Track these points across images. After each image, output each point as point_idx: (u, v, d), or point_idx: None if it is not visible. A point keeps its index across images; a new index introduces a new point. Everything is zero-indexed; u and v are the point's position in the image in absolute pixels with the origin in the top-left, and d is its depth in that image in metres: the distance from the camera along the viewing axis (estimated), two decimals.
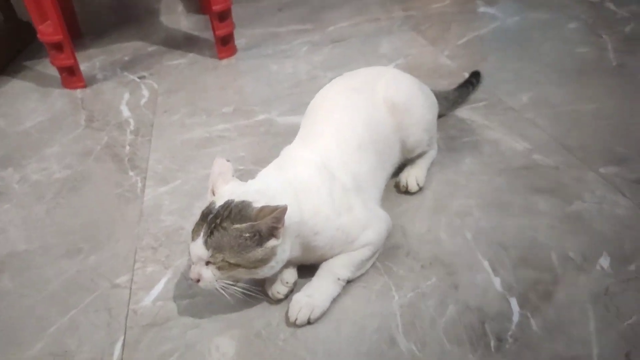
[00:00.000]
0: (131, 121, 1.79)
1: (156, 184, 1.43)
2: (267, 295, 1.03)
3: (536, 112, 1.57)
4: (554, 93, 1.68)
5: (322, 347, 0.93)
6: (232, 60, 2.22)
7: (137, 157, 1.58)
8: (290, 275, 1.03)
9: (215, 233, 0.92)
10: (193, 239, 0.94)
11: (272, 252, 0.93)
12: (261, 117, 1.72)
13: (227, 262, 0.92)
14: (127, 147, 1.63)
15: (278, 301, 1.02)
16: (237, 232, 0.90)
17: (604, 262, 1.03)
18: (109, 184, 1.46)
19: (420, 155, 1.31)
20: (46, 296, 1.10)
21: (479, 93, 1.70)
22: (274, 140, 1.57)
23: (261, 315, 1.00)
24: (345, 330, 0.96)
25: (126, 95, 1.99)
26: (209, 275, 0.93)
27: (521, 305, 0.96)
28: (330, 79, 1.99)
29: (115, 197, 1.40)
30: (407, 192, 1.28)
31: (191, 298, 1.06)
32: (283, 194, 0.97)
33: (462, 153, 1.42)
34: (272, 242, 0.92)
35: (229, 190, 0.97)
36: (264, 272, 0.95)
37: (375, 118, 1.19)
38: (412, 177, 1.28)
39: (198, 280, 0.93)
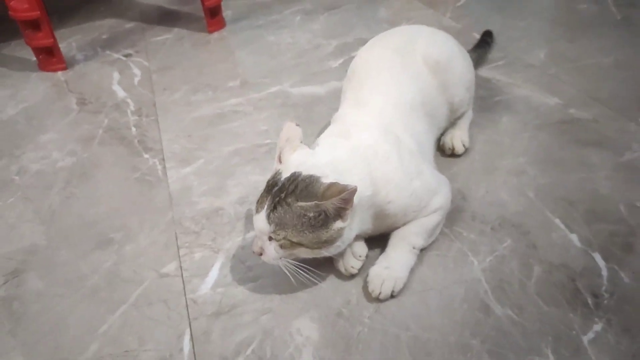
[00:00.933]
0: (129, 101, 1.65)
1: (178, 165, 1.32)
2: (337, 270, 0.95)
3: (557, 68, 1.55)
4: (569, 48, 1.66)
5: (412, 321, 0.87)
6: (222, 33, 2.09)
7: (147, 138, 1.45)
8: (362, 248, 0.96)
9: (279, 208, 0.84)
10: (257, 210, 0.86)
11: (339, 234, 0.86)
12: (273, 89, 1.62)
13: (289, 240, 0.84)
14: (133, 129, 1.50)
15: (351, 276, 0.95)
16: (301, 210, 0.83)
17: None
18: (124, 168, 1.33)
19: (459, 117, 1.26)
20: (86, 294, 0.99)
21: (495, 52, 1.66)
22: (295, 112, 1.47)
23: (336, 293, 0.93)
24: (432, 300, 0.90)
25: (116, 75, 1.83)
26: (271, 251, 0.86)
27: (606, 259, 0.93)
28: (335, 47, 1.93)
29: (135, 181, 1.28)
30: (453, 154, 1.23)
31: (254, 281, 0.97)
32: (354, 167, 0.89)
33: (497, 112, 1.37)
34: (338, 224, 0.85)
35: (297, 160, 0.89)
36: (329, 252, 0.88)
37: (421, 79, 1.12)
38: (457, 138, 1.23)
39: (261, 254, 0.86)
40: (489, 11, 1.99)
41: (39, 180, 1.32)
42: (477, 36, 1.69)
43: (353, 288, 0.93)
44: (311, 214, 0.83)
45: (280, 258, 0.87)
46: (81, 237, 1.12)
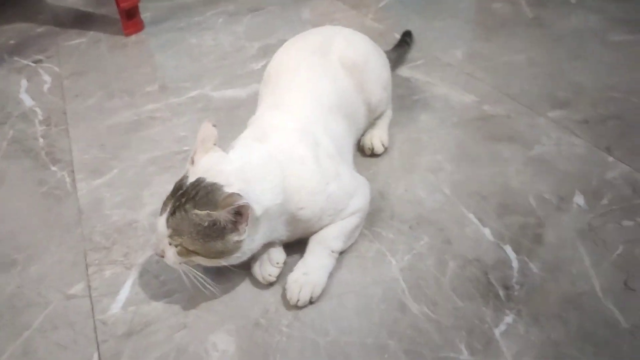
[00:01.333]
0: (37, 110, 1.55)
1: (88, 177, 1.25)
2: (254, 278, 0.93)
3: (473, 66, 1.60)
4: (484, 47, 1.71)
5: (331, 326, 0.86)
6: (141, 36, 2.01)
7: (56, 149, 1.36)
8: (279, 254, 0.94)
9: (177, 214, 0.82)
10: (161, 212, 0.84)
11: (235, 246, 0.84)
12: (193, 93, 1.57)
13: (184, 247, 0.82)
14: (41, 140, 1.40)
15: (269, 285, 0.93)
16: (197, 218, 0.81)
17: (579, 199, 1.07)
18: (30, 182, 1.25)
19: (378, 117, 1.27)
20: None
21: (414, 52, 1.69)
22: (216, 116, 1.43)
23: (254, 302, 0.91)
24: (351, 303, 0.89)
25: (24, 82, 1.71)
26: (171, 254, 0.84)
27: (516, 251, 0.96)
28: (258, 49, 1.91)
29: (42, 196, 1.20)
30: (373, 154, 1.23)
31: (168, 297, 0.93)
32: (266, 174, 0.87)
33: (415, 111, 1.40)
34: (234, 237, 0.83)
35: (205, 164, 0.86)
36: (228, 262, 0.86)
37: (338, 80, 1.12)
38: (376, 138, 1.24)
39: (162, 256, 0.85)
40: (409, 12, 2.03)
41: None
42: (398, 36, 1.71)
43: (271, 297, 0.91)
44: (205, 224, 0.80)
45: (180, 263, 0.84)
46: None
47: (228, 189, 0.82)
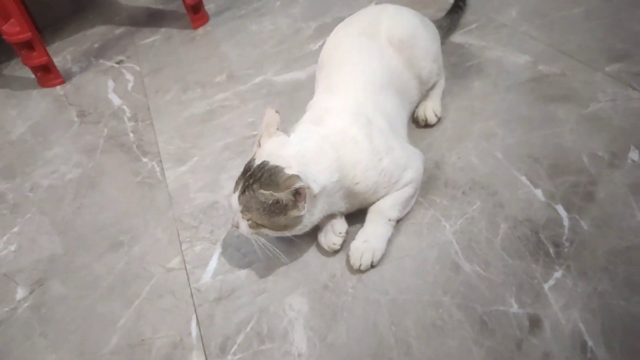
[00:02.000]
0: (125, 108, 1.74)
1: (174, 165, 1.42)
2: (321, 247, 1.05)
3: (529, 24, 1.59)
4: (540, 3, 1.68)
5: (391, 286, 0.96)
6: (207, 28, 2.15)
7: (144, 142, 1.55)
8: (341, 225, 1.05)
9: (247, 193, 0.95)
10: (234, 190, 0.98)
11: (296, 221, 0.95)
12: (257, 79, 1.70)
13: (254, 221, 0.95)
14: (131, 135, 1.60)
15: (334, 252, 1.05)
16: (262, 197, 0.93)
17: (634, 155, 1.08)
18: (126, 173, 1.44)
19: (431, 88, 1.32)
20: (104, 293, 1.10)
21: (468, 15, 1.70)
22: (279, 100, 1.55)
23: (322, 269, 1.03)
24: (408, 266, 0.99)
25: (110, 83, 1.92)
26: (244, 226, 0.97)
27: (568, 210, 1.01)
28: (314, 29, 1.99)
29: (137, 185, 1.39)
30: (427, 125, 1.30)
31: (248, 267, 1.07)
32: (321, 156, 0.98)
33: (469, 78, 1.43)
34: (294, 213, 0.94)
35: (268, 148, 0.98)
36: (292, 233, 0.98)
37: (386, 58, 1.19)
38: (429, 109, 1.30)
39: (237, 227, 0.98)
40: None
41: (51, 194, 1.44)
42: (451, 1, 1.72)
43: (337, 263, 1.03)
44: (269, 202, 0.93)
45: (252, 234, 0.98)
46: (94, 242, 1.24)
47: (288, 171, 0.93)
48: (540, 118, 1.23)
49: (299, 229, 0.98)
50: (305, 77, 1.63)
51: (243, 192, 0.95)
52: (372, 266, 1.00)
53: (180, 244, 1.17)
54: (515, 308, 0.88)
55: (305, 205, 0.94)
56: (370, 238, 1.01)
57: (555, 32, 1.52)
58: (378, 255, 1.00)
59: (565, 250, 0.94)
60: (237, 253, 1.11)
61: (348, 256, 1.01)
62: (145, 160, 1.47)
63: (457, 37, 1.61)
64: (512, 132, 1.22)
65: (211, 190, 1.30)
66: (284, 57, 1.77)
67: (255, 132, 1.45)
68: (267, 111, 1.04)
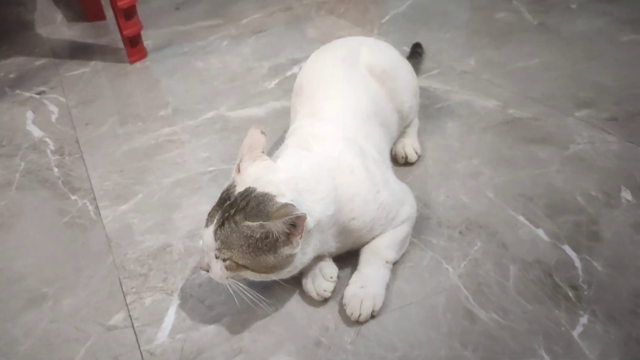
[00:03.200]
0: (48, 140, 1.49)
1: (113, 203, 1.19)
2: (306, 295, 0.88)
3: (490, 73, 1.59)
4: (496, 54, 1.71)
5: (398, 340, 0.80)
6: (145, 62, 1.97)
7: (73, 178, 1.30)
8: (332, 268, 0.89)
9: (226, 225, 0.77)
10: (207, 224, 0.80)
11: (287, 260, 0.79)
12: (209, 114, 1.53)
13: (234, 262, 0.78)
14: (56, 169, 1.35)
15: (323, 301, 0.88)
16: (248, 230, 0.76)
17: (626, 194, 1.04)
18: (50, 213, 1.18)
19: (407, 126, 1.24)
20: None
21: (427, 63, 1.68)
22: (237, 135, 1.40)
23: (311, 321, 0.85)
24: (414, 315, 0.84)
25: (29, 114, 1.66)
26: (217, 270, 0.79)
27: (576, 250, 0.93)
28: (268, 69, 1.88)
29: (64, 226, 1.14)
30: (406, 163, 1.20)
31: (217, 321, 0.87)
32: (317, 184, 0.83)
33: (440, 119, 1.37)
34: (286, 250, 0.78)
35: (254, 173, 0.81)
36: (278, 276, 0.81)
37: (370, 89, 1.10)
38: (409, 146, 1.21)
39: (207, 270, 0.80)
40: (414, 25, 2.03)
41: None
42: (407, 49, 1.70)
43: (329, 313, 0.86)
44: (257, 236, 0.76)
45: (227, 278, 0.80)
46: (8, 297, 0.97)
47: (280, 200, 0.78)
48: (523, 158, 1.18)
49: (288, 272, 0.81)
50: (264, 114, 1.50)
51: (221, 225, 0.77)
52: (373, 316, 0.84)
53: (124, 295, 0.94)
54: None
55: (300, 241, 0.77)
56: (368, 283, 0.86)
57: (517, 81, 1.52)
58: (379, 302, 0.84)
59: (585, 293, 0.85)
60: (200, 305, 0.90)
61: (343, 305, 0.85)
62: (74, 197, 1.23)
63: (421, 81, 1.56)
64: (498, 171, 1.15)
65: (162, 231, 1.09)
66: (237, 94, 1.64)
67: (212, 168, 1.27)
68: (250, 130, 0.88)
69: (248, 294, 0.81)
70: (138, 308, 0.91)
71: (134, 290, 0.95)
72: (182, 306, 0.90)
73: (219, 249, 0.78)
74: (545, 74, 1.54)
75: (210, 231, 0.78)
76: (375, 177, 0.91)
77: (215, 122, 1.49)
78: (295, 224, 0.75)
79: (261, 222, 0.75)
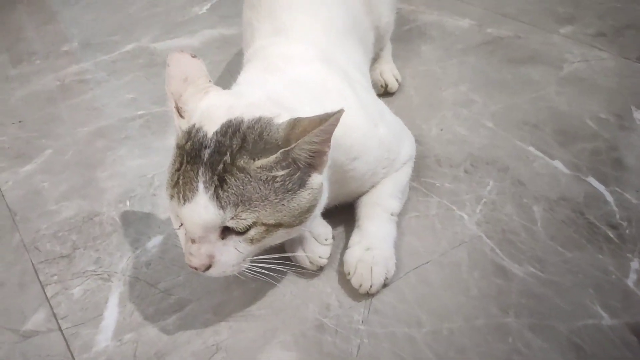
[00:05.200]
0: None
1: (13, 164, 0.90)
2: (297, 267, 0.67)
3: None
4: None
5: (422, 312, 0.63)
6: None
7: None
8: (325, 227, 0.69)
9: (230, 181, 0.53)
10: (184, 197, 0.54)
11: (319, 193, 0.58)
12: (128, 47, 1.24)
13: (264, 224, 0.54)
14: None
15: (318, 270, 0.68)
16: (266, 171, 0.54)
17: (638, 115, 0.92)
18: None
19: (382, 48, 1.03)
20: None
21: None
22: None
23: (306, 298, 0.65)
24: (434, 277, 0.67)
25: None
26: (229, 258, 0.55)
27: (603, 182, 0.79)
28: None
29: None
30: (386, 92, 1.01)
31: (179, 310, 0.65)
32: (305, 101, 0.61)
33: (413, 42, 1.18)
34: (316, 179, 0.57)
35: (218, 104, 0.57)
36: (305, 226, 0.59)
37: None
38: (388, 72, 1.01)
39: (207, 267, 0.55)
40: None
41: None
42: None
43: (327, 286, 0.67)
44: (281, 173, 0.54)
45: (246, 259, 0.57)
46: None
47: (279, 120, 0.55)
48: (516, 81, 1.03)
49: (314, 216, 0.59)
50: (199, 44, 1.23)
51: (221, 182, 0.53)
52: (385, 285, 0.65)
53: (43, 287, 0.69)
54: (607, 320, 0.61)
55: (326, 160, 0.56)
56: (375, 243, 0.67)
57: None
58: (392, 267, 0.66)
59: (627, 231, 0.71)
60: (152, 291, 0.67)
61: (346, 274, 0.65)
62: None
63: None
64: (492, 97, 0.99)
65: (83, 195, 0.83)
66: (161, 22, 1.34)
67: (141, 112, 1.01)
68: (173, 58, 0.60)
69: (276, 267, 0.59)
70: (64, 303, 0.67)
71: (55, 278, 0.70)
72: (126, 295, 0.67)
73: (234, 217, 0.53)
74: None
75: (201, 201, 0.53)
76: (369, 106, 0.71)
77: (137, 56, 1.20)
78: (330, 130, 0.53)
79: (282, 150, 0.53)
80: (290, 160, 0.54)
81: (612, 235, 0.71)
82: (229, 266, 0.56)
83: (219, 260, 0.55)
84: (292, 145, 0.53)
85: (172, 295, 0.66)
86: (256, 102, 0.57)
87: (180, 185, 0.53)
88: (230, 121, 0.55)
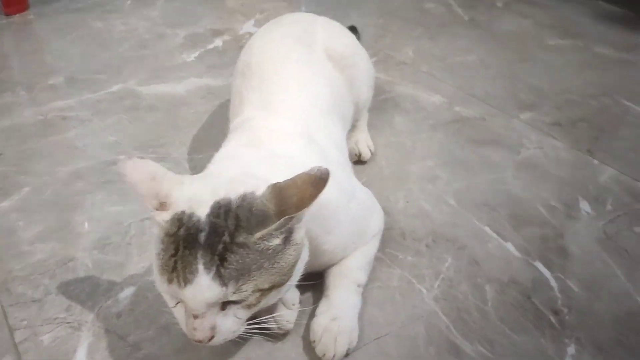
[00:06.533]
0: None
1: None
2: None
3: (428, 65, 1.51)
4: (432, 46, 1.64)
5: None
6: (27, 16, 1.61)
7: None
8: (294, 293, 0.73)
9: (231, 258, 0.57)
10: (184, 280, 0.57)
11: (302, 247, 0.63)
12: (115, 87, 1.27)
13: (260, 289, 0.59)
14: None
15: (283, 335, 0.72)
16: (264, 243, 0.58)
17: (584, 206, 1.01)
18: None
19: (357, 119, 1.10)
20: None
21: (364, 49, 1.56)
22: (153, 117, 1.16)
23: None
24: (393, 349, 0.72)
25: None
26: (229, 325, 0.59)
27: (549, 268, 0.86)
28: (184, 38, 1.63)
29: None
30: (359, 161, 1.07)
31: None
32: (281, 174, 0.65)
33: (387, 112, 1.26)
34: (299, 232, 0.62)
35: (201, 188, 0.61)
36: (292, 281, 0.64)
37: (330, 76, 0.94)
38: (362, 143, 1.08)
39: (210, 339, 0.58)
40: (344, 7, 1.89)
41: None
42: None
43: (291, 351, 0.70)
44: (276, 241, 0.59)
45: (244, 324, 0.61)
46: None
47: (260, 190, 0.60)
48: (477, 162, 1.11)
49: (299, 270, 0.64)
50: (184, 92, 1.27)
51: (222, 261, 0.57)
52: (346, 354, 0.70)
53: (11, 332, 0.70)
54: None
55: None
56: (341, 313, 0.71)
57: (457, 76, 1.46)
58: (355, 338, 0.70)
59: (567, 318, 0.78)
60: (121, 344, 0.69)
61: (311, 342, 0.69)
62: None
63: None
64: (455, 175, 1.07)
65: (59, 238, 0.85)
66: (148, 65, 1.38)
67: (122, 156, 1.03)
68: (126, 165, 0.61)
69: (265, 324, 0.64)
70: (33, 350, 0.68)
71: (25, 323, 0.71)
72: (95, 346, 0.69)
73: (236, 291, 0.57)
74: (483, 71, 1.50)
75: (204, 282, 0.56)
76: (343, 184, 0.76)
77: (122, 97, 1.23)
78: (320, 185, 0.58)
79: (287, 216, 0.57)
80: (289, 226, 0.59)
81: (554, 321, 0.78)
82: (230, 333, 0.60)
83: (221, 330, 0.59)
84: (298, 213, 0.58)
85: (141, 349, 0.68)
86: (235, 178, 0.62)
87: (179, 269, 0.57)
88: (219, 202, 0.59)
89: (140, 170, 0.61)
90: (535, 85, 1.43)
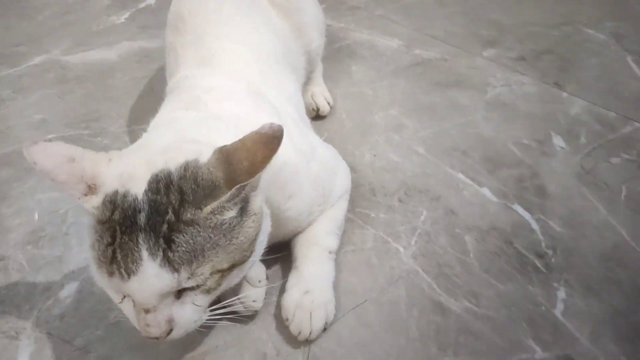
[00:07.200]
0: None
1: None
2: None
3: (383, 8, 1.41)
4: None
5: (362, 356, 0.61)
6: None
7: None
8: (259, 268, 0.66)
9: (179, 238, 0.48)
10: (126, 273, 0.48)
11: (260, 217, 0.54)
12: (37, 59, 1.13)
13: (219, 270, 0.50)
14: None
15: (253, 315, 0.65)
16: (217, 214, 0.50)
17: (558, 141, 0.96)
18: None
19: (312, 70, 1.01)
20: None
21: None
22: (83, 88, 1.04)
23: (242, 348, 0.62)
24: (373, 317, 0.66)
25: None
26: (188, 315, 0.51)
27: (528, 210, 0.82)
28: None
29: None
30: (318, 116, 0.99)
31: None
32: (228, 137, 0.56)
33: (343, 61, 1.17)
34: (256, 200, 0.53)
35: (133, 162, 0.52)
36: (255, 257, 0.56)
37: (274, 23, 0.84)
38: (319, 95, 0.99)
39: (169, 333, 0.50)
40: None
41: None
42: None
43: (263, 332, 0.63)
44: (230, 213, 0.50)
45: (206, 311, 0.53)
46: None
47: (205, 156, 0.51)
48: (444, 105, 1.05)
49: (261, 243, 0.56)
50: (116, 57, 1.14)
51: (169, 244, 0.48)
52: (324, 329, 0.63)
53: None
54: (539, 353, 0.63)
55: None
56: (313, 285, 0.64)
57: (414, 17, 1.37)
58: (332, 311, 0.64)
59: (552, 260, 0.74)
60: (67, 348, 0.61)
61: (284, 320, 0.62)
62: None
63: None
64: (422, 122, 1.00)
65: None
66: (74, 31, 1.24)
67: (52, 135, 0.91)
68: (39, 149, 0.50)
69: (230, 307, 0.56)
70: None
71: None
72: (38, 354, 0.60)
73: (191, 275, 0.49)
74: (441, 10, 1.41)
75: (150, 272, 0.47)
76: (301, 144, 0.68)
77: (47, 70, 1.09)
78: (275, 145, 0.49)
79: (238, 186, 0.49)
80: (243, 194, 0.50)
81: (539, 265, 0.73)
82: (191, 323, 0.52)
83: (180, 321, 0.51)
84: (250, 179, 0.49)
85: (91, 352, 0.60)
86: (172, 145, 0.53)
87: (119, 259, 0.48)
88: (157, 175, 0.50)
89: (53, 154, 0.50)
90: (494, 19, 1.36)
